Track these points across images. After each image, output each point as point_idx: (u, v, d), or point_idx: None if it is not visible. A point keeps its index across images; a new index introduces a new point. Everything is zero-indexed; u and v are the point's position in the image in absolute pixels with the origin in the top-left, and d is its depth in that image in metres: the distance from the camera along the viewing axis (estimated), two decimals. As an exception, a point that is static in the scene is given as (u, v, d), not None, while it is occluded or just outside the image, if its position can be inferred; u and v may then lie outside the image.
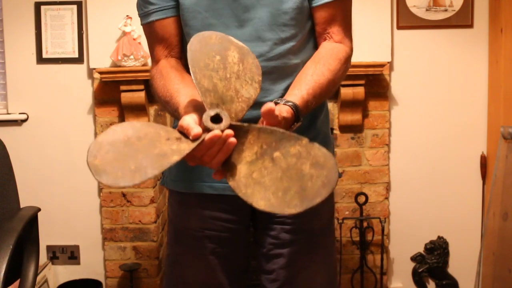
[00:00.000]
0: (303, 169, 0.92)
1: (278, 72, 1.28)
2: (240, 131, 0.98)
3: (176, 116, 1.16)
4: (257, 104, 1.11)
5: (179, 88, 1.20)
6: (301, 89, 1.16)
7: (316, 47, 1.33)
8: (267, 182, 0.92)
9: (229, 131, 0.96)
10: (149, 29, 1.34)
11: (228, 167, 0.97)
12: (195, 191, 1.34)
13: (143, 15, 1.34)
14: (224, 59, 1.06)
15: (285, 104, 1.11)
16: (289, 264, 1.34)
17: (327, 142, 1.39)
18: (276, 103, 1.11)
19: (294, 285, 1.35)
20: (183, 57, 1.34)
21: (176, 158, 0.92)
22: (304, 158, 0.93)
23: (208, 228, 1.35)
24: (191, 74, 1.02)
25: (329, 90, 1.23)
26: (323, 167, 0.92)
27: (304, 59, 1.31)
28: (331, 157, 0.94)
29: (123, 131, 0.96)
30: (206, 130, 0.96)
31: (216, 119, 0.97)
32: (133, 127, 0.97)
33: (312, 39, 1.35)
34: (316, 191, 0.90)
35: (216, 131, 0.95)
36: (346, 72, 1.30)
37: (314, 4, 1.29)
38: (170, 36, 1.32)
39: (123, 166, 0.90)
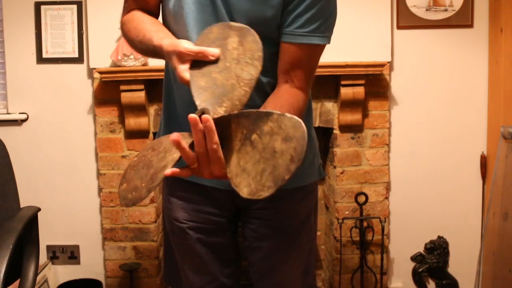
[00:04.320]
0: (275, 147, 0.91)
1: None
2: (224, 124, 0.98)
3: (151, 51, 1.18)
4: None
5: (152, 28, 1.21)
6: None
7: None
8: (249, 168, 0.93)
9: (205, 116, 0.94)
10: None
11: (225, 160, 0.98)
12: (179, 180, 1.38)
13: None
14: (224, 49, 1.09)
15: None
16: (268, 257, 1.41)
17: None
18: None
19: (273, 277, 1.43)
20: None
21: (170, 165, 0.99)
22: (276, 134, 0.92)
23: (194, 221, 1.40)
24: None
25: None
26: (292, 139, 0.90)
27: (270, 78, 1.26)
28: (301, 125, 0.90)
29: (145, 150, 1.08)
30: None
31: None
32: (157, 141, 1.08)
33: (275, 59, 1.27)
34: (285, 167, 0.89)
35: (191, 115, 0.94)
36: None
37: (285, 40, 1.21)
38: (149, 1, 1.31)
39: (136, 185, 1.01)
